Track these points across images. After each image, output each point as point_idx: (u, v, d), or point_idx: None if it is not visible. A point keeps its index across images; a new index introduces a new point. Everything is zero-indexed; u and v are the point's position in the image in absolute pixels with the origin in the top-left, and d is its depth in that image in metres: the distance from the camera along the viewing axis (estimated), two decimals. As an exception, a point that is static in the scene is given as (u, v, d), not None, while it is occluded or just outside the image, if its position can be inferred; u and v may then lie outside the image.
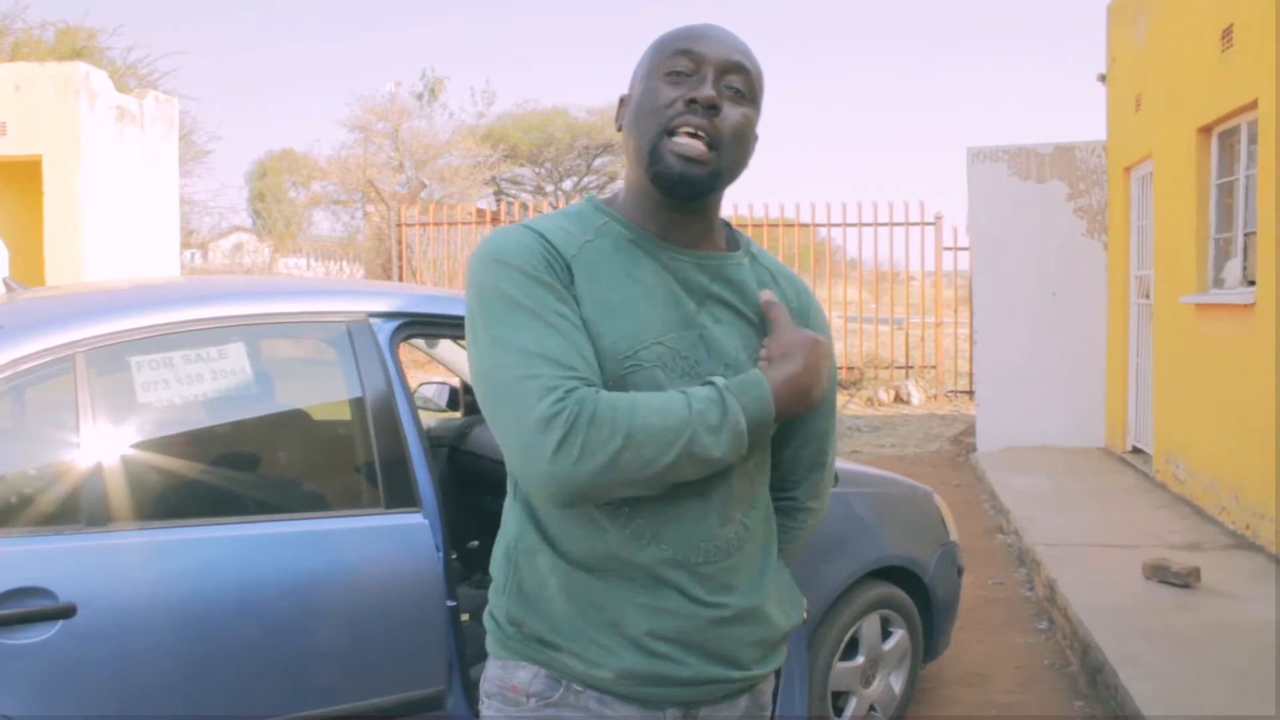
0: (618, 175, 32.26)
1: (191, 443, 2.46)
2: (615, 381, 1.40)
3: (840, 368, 13.57)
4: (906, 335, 13.41)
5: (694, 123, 1.43)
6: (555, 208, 19.08)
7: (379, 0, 74.30)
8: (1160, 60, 7.52)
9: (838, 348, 14.00)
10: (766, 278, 1.60)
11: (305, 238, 29.00)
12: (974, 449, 9.30)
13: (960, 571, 3.92)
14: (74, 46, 14.63)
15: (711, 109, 1.43)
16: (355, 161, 22.09)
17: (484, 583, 3.43)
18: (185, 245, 18.18)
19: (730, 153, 1.46)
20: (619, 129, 1.55)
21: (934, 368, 13.22)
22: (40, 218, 9.66)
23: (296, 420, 2.78)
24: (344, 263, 23.49)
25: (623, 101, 1.56)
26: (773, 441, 1.59)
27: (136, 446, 2.33)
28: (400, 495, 2.51)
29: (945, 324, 13.45)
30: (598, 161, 31.15)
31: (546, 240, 1.45)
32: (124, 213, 10.27)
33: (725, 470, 1.45)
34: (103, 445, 2.26)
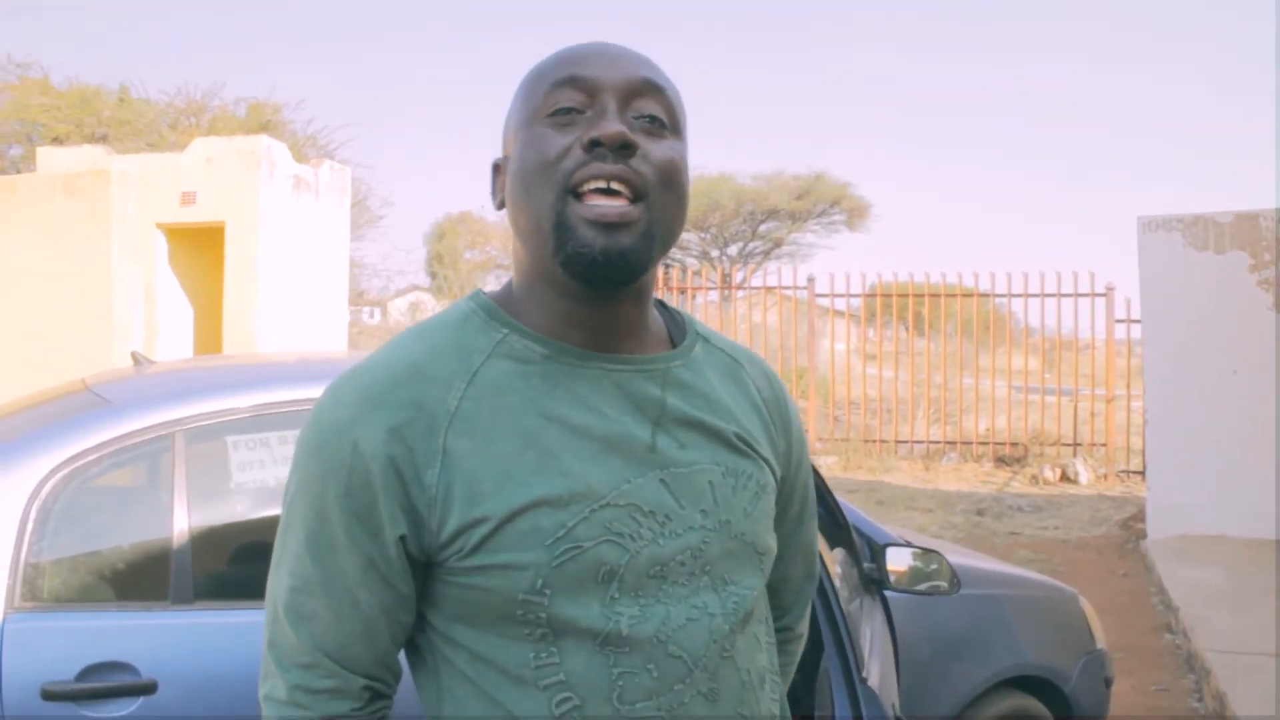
0: (783, 241, 32.20)
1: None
2: (547, 580, 1.00)
3: (1003, 443, 13.01)
4: (1075, 409, 12.76)
5: (605, 172, 1.01)
6: (716, 272, 18.99)
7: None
8: (1354, 124, 6.99)
9: (1000, 422, 13.45)
10: (725, 363, 1.20)
11: (478, 298, 29.91)
12: (1144, 535, 8.71)
13: (1109, 683, 3.61)
14: (261, 120, 15.56)
15: (624, 149, 1.02)
16: (517, 227, 22.67)
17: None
18: (357, 304, 18.98)
19: (663, 203, 1.05)
20: (498, 206, 1.14)
21: (1104, 445, 12.51)
22: (222, 281, 10.25)
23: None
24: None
25: (498, 170, 1.15)
26: None
27: (228, 526, 2.35)
28: None
29: (1118, 398, 12.75)
30: (763, 227, 31.25)
31: (399, 411, 1.02)
32: (297, 275, 10.79)
33: (729, 642, 1.08)
34: (195, 524, 2.28)
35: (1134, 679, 5.19)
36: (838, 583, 2.25)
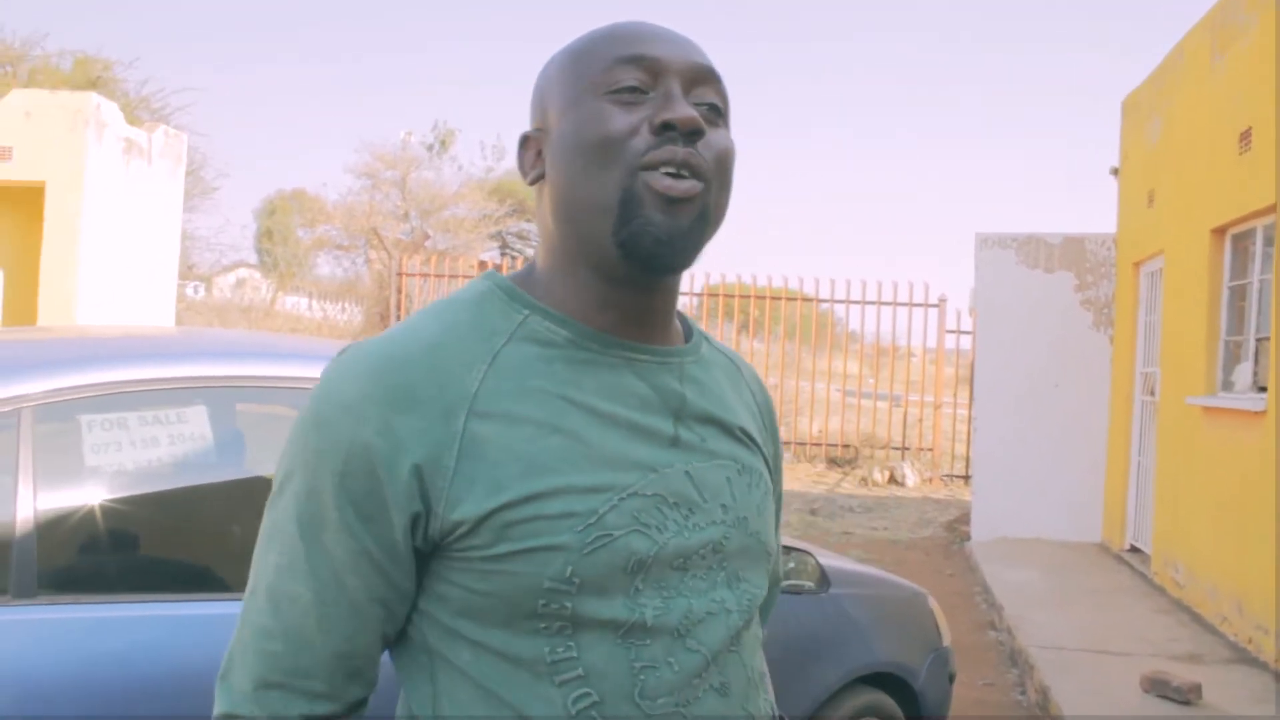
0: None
1: (139, 511, 2.29)
2: (579, 566, 0.96)
3: (835, 445, 13.41)
4: (905, 414, 13.27)
5: (679, 156, 0.98)
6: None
7: (395, 50, 75.11)
8: (1174, 158, 7.47)
9: (834, 424, 13.84)
10: (726, 366, 1.19)
11: (309, 278, 29.00)
12: (968, 537, 9.12)
13: (952, 678, 3.74)
14: (89, 77, 14.63)
15: (694, 134, 0.99)
16: (361, 208, 22.09)
17: None
18: (186, 278, 18.10)
19: (718, 190, 1.03)
20: (531, 181, 1.09)
21: (931, 450, 13.05)
22: (39, 245, 9.60)
23: (258, 491, 2.61)
24: (347, 303, 23.41)
25: (528, 142, 1.10)
26: None
27: (78, 513, 2.17)
28: None
29: (944, 405, 13.31)
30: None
31: (411, 391, 0.96)
32: (124, 245, 10.19)
33: (737, 638, 1.06)
34: (41, 510, 2.09)
35: (963, 675, 5.40)
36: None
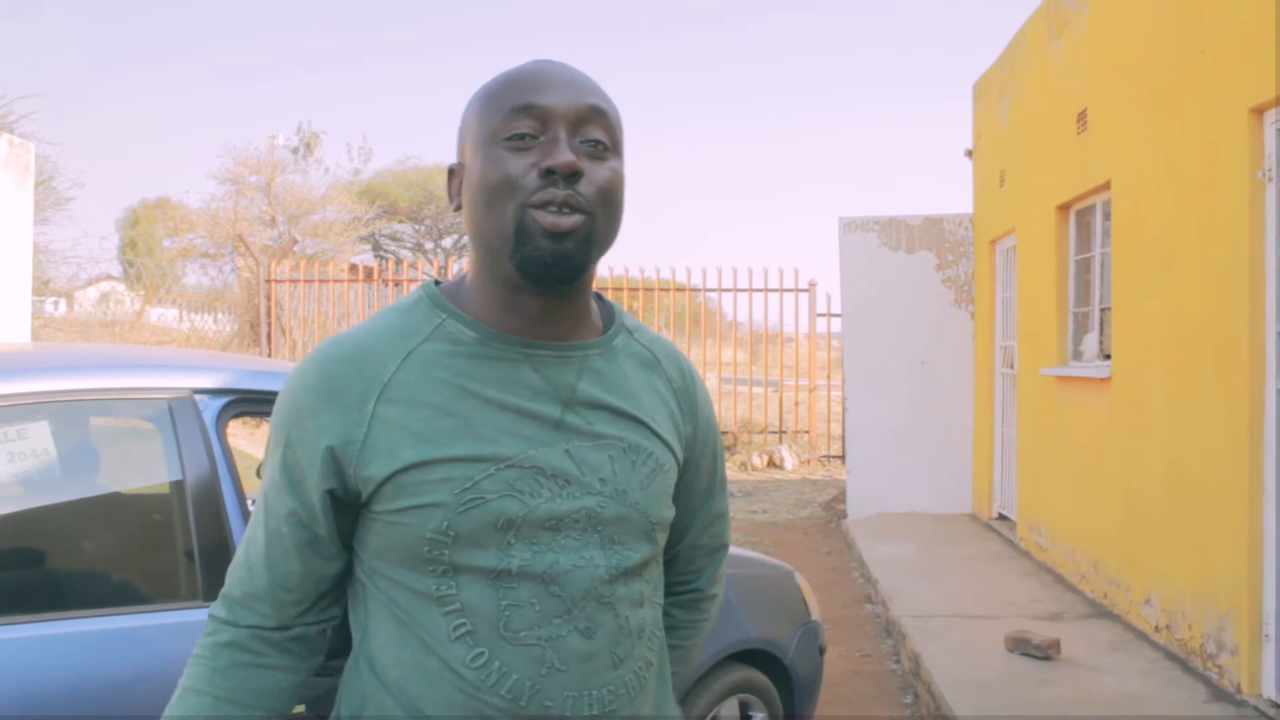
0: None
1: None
2: (454, 521, 1.18)
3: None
4: (781, 399, 13.52)
5: (558, 198, 1.18)
6: (432, 265, 18.73)
7: (256, 53, 73.17)
8: (1022, 139, 7.78)
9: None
10: (643, 355, 1.38)
11: (177, 289, 28.07)
12: (845, 515, 9.35)
13: (822, 651, 3.85)
14: (-76, 86, 13.91)
15: (573, 176, 1.19)
16: (226, 214, 21.45)
17: (326, 669, 3.20)
18: (41, 293, 17.35)
19: (603, 217, 1.22)
20: (456, 207, 1.30)
21: (808, 432, 13.33)
22: (-126, 265, 9.11)
23: (106, 506, 2.54)
24: (219, 314, 22.73)
25: (454, 173, 1.30)
26: (671, 533, 1.42)
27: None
28: (221, 585, 2.30)
29: (819, 387, 13.61)
30: (480, 219, 30.92)
31: (339, 393, 1.23)
32: (-31, 261, 9.73)
33: (609, 592, 1.25)
34: None
35: (840, 648, 5.57)
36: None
